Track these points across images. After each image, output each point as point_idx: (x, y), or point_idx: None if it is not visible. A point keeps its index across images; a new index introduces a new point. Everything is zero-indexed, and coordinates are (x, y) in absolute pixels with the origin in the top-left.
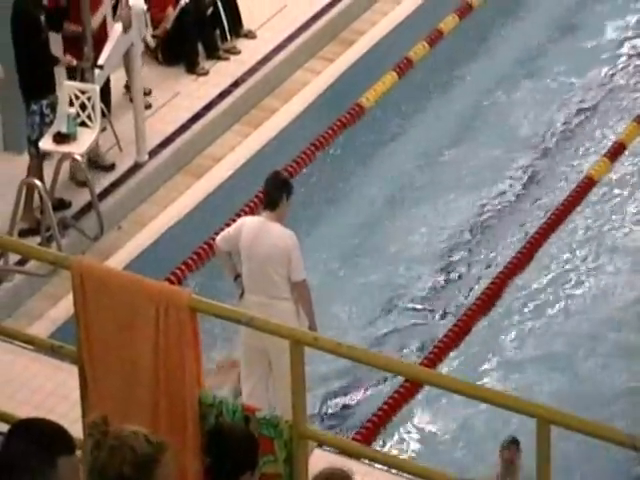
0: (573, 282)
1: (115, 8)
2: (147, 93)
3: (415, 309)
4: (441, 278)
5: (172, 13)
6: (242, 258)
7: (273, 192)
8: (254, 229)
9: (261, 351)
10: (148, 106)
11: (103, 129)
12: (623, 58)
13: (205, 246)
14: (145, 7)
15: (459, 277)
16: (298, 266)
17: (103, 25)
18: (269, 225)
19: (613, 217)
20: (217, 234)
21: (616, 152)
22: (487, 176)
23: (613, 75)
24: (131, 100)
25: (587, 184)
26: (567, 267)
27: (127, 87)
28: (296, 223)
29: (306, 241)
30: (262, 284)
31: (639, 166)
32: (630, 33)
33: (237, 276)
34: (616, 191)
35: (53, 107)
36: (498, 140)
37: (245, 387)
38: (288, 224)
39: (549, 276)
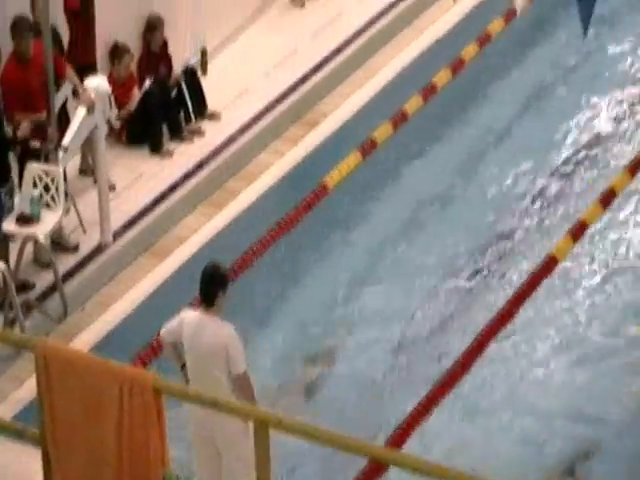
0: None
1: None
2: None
3: None
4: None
5: (137, 94)
6: (185, 351)
7: (210, 288)
8: (192, 325)
9: (210, 442)
10: (112, 187)
11: (67, 211)
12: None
13: None
14: (109, 89)
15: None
16: (237, 359)
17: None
18: (206, 320)
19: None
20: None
21: (579, 230)
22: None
23: (578, 156)
24: (95, 181)
25: (550, 263)
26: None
27: (81, 171)
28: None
29: (261, 327)
30: (204, 379)
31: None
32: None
33: (183, 365)
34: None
35: (11, 194)
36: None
37: (202, 473)
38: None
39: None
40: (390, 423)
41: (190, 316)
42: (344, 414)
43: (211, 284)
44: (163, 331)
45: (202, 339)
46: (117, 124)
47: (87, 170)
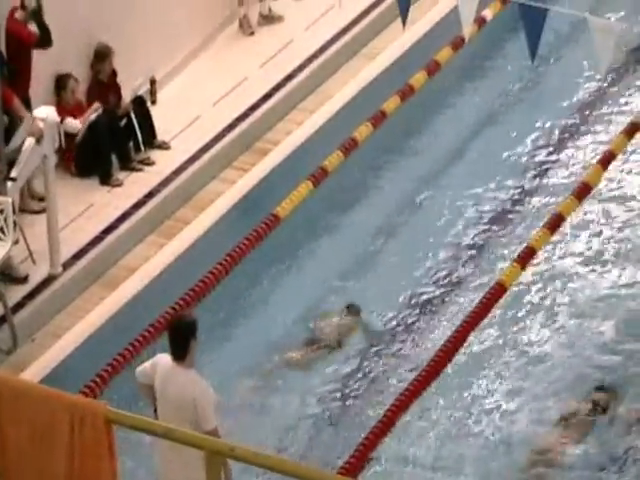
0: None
1: None
2: (42, 199)
3: None
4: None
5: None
6: (157, 396)
7: (180, 343)
8: (164, 373)
9: None
10: (42, 210)
11: (16, 241)
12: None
13: (120, 358)
14: (58, 119)
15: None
16: (206, 416)
17: None
18: (177, 372)
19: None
20: (132, 345)
21: (527, 256)
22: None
23: (526, 181)
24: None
25: (498, 290)
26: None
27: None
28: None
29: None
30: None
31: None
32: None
33: (157, 408)
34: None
35: None
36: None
37: None
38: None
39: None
40: None
41: (164, 362)
42: None
43: (181, 338)
44: (138, 371)
45: (171, 390)
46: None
47: (32, 196)
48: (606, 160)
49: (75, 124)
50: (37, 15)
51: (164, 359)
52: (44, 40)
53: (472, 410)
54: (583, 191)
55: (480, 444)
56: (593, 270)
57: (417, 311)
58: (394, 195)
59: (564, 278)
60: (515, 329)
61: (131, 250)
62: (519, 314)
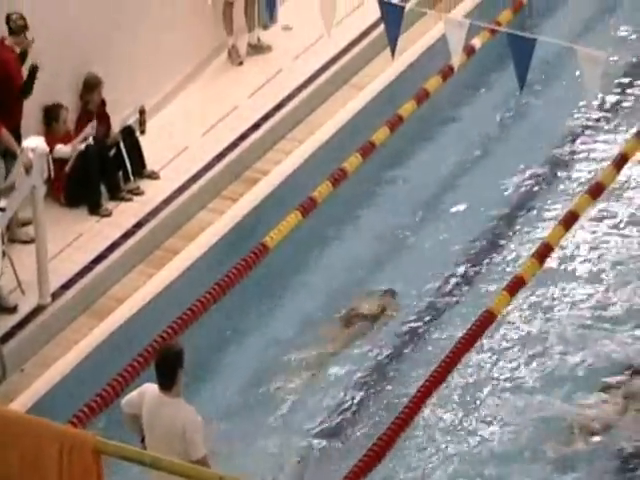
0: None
1: None
2: (26, 223)
3: None
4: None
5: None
6: (144, 426)
7: (168, 373)
8: (152, 402)
9: None
10: (31, 240)
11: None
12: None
13: (109, 388)
14: (47, 149)
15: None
16: (196, 444)
17: None
18: (166, 401)
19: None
20: (121, 375)
21: (515, 285)
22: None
23: (512, 211)
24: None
25: (488, 318)
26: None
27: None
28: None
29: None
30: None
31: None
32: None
33: (144, 438)
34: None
35: None
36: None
37: None
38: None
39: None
40: None
41: (151, 391)
42: None
43: (168, 368)
44: (123, 402)
45: (160, 420)
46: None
47: (20, 223)
48: (595, 190)
49: (65, 150)
50: (34, 70)
51: (151, 389)
52: (25, 89)
53: None
54: (570, 219)
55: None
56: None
57: None
58: (379, 226)
59: None
60: None
61: (120, 280)
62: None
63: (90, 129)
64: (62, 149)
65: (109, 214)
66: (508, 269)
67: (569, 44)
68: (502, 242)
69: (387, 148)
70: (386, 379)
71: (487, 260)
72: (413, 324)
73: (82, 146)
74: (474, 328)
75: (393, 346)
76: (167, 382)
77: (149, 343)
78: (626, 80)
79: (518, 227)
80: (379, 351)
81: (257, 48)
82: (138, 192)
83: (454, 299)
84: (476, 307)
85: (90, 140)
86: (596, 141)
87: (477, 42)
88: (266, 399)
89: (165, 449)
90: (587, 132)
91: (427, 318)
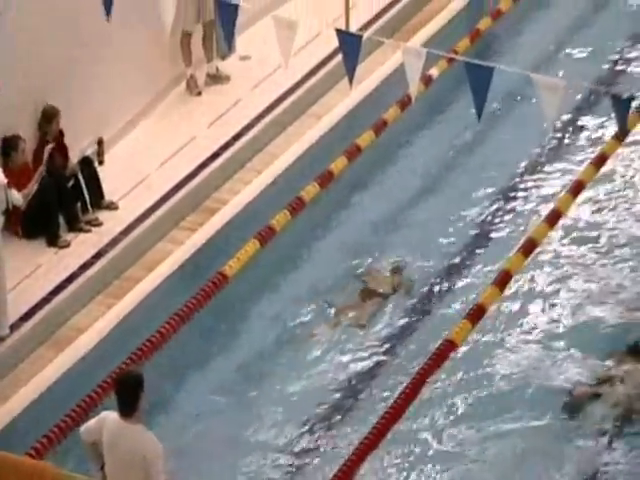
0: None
1: None
2: None
3: None
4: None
5: (33, 185)
6: (104, 454)
7: (128, 400)
8: (113, 430)
9: None
10: None
11: None
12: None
13: (68, 418)
14: (5, 181)
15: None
16: (157, 471)
17: None
18: (127, 429)
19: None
20: (80, 405)
21: (476, 315)
22: None
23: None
24: None
25: (448, 348)
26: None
27: None
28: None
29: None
30: None
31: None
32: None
33: (103, 465)
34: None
35: None
36: None
37: None
38: None
39: None
40: None
41: (111, 419)
42: None
43: (129, 395)
44: (82, 430)
45: (120, 447)
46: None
47: None
48: (553, 217)
49: (17, 197)
50: None
51: (111, 416)
52: None
53: None
54: (530, 247)
55: None
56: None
57: None
58: (337, 252)
59: None
60: None
61: (80, 311)
62: None
63: (38, 175)
64: (14, 195)
65: (67, 245)
66: (471, 296)
67: (527, 72)
68: (462, 269)
69: (345, 177)
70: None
71: (447, 286)
72: None
73: (36, 186)
74: (434, 357)
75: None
76: (127, 409)
77: (109, 374)
78: (584, 108)
79: (478, 254)
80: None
81: (215, 78)
82: (97, 223)
83: None
84: None
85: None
86: (553, 169)
87: (435, 71)
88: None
89: (125, 476)
90: (545, 160)
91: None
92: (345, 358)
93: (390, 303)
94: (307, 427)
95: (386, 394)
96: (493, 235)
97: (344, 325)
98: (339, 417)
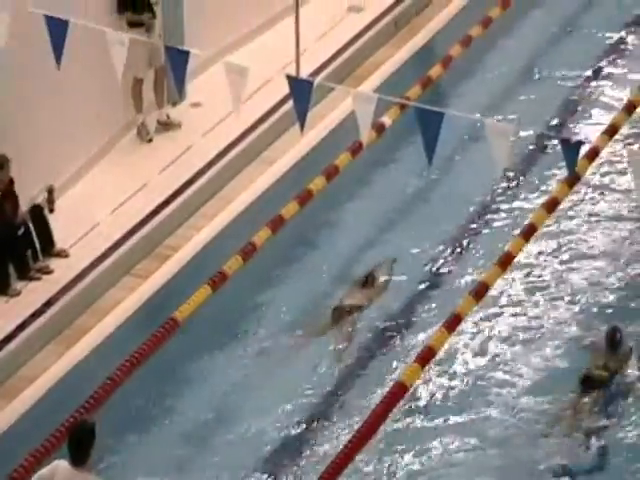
0: None
1: None
2: None
3: None
4: None
5: None
6: None
7: (81, 450)
8: (65, 477)
9: None
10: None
11: None
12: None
13: (20, 469)
14: None
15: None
16: None
17: None
18: (80, 478)
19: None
20: (32, 456)
21: (426, 356)
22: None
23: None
24: None
25: (399, 390)
26: None
27: None
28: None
29: None
30: None
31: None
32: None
33: None
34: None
35: None
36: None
37: None
38: None
39: None
40: None
41: (62, 467)
42: None
43: (81, 444)
44: (35, 477)
45: None
46: None
47: None
48: (505, 261)
49: None
50: None
51: (62, 464)
52: None
53: None
54: (481, 290)
55: None
56: None
57: None
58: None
59: None
60: None
61: (30, 360)
62: None
63: None
64: None
65: (18, 294)
66: (421, 338)
67: (478, 117)
68: (418, 309)
69: (296, 221)
70: None
71: (404, 323)
72: None
73: None
74: (385, 400)
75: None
76: (79, 457)
77: (60, 424)
78: (535, 152)
79: (431, 296)
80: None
81: (166, 125)
82: (47, 271)
83: None
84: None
85: None
86: (505, 212)
87: (386, 117)
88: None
89: None
90: (495, 205)
91: None
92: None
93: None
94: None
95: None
96: (445, 279)
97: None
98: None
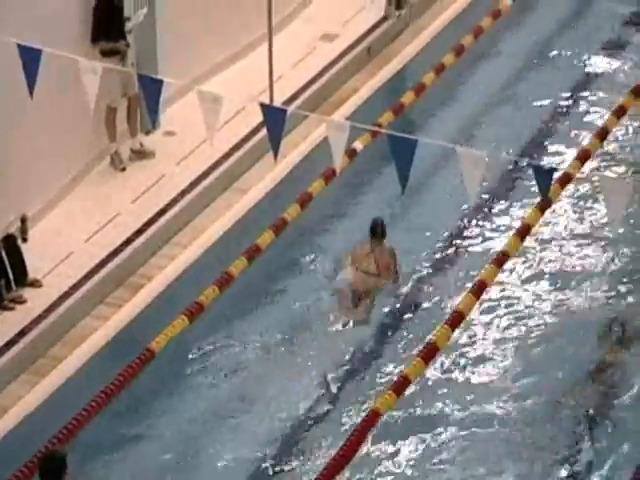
0: None
1: None
2: None
3: None
4: None
5: None
6: None
7: (52, 478)
8: None
9: None
10: None
11: None
12: None
13: None
14: None
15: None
16: None
17: None
18: None
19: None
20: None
21: (401, 386)
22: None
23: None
24: None
25: (373, 417)
26: None
27: None
28: None
29: None
30: None
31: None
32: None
33: None
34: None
35: None
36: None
37: None
38: None
39: None
40: None
41: None
42: None
43: (53, 475)
44: None
45: None
46: None
47: None
48: (478, 289)
49: None
50: None
51: None
52: None
53: None
54: (456, 320)
55: None
56: None
57: None
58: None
59: None
60: None
61: (4, 389)
62: None
63: None
64: None
65: None
66: (391, 370)
67: (450, 145)
68: (386, 345)
69: (272, 250)
70: None
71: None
72: None
73: None
74: (359, 428)
75: None
76: None
77: (33, 454)
78: (507, 179)
79: (405, 321)
80: None
81: (140, 153)
82: (21, 301)
83: None
84: None
85: None
86: (478, 239)
87: (359, 145)
88: None
89: None
90: (468, 232)
91: None
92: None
93: None
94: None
95: None
96: (421, 306)
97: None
98: None
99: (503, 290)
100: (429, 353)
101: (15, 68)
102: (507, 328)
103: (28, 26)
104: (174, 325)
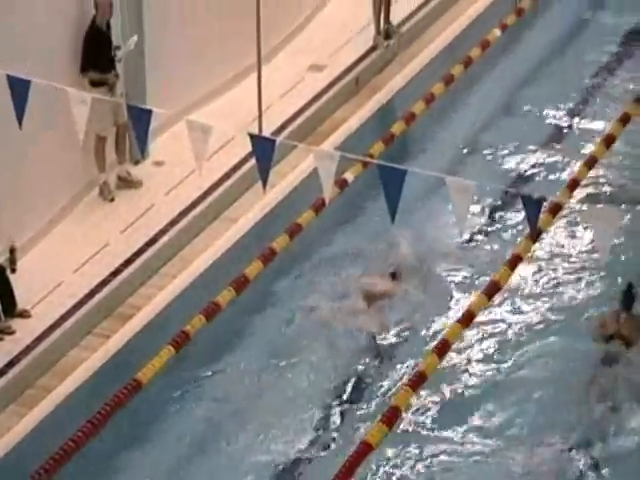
0: None
1: None
2: None
3: None
4: None
5: None
6: None
7: None
8: None
9: None
10: None
11: None
12: None
13: None
14: None
15: None
16: None
17: None
18: None
19: None
20: None
21: (392, 417)
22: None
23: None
24: None
25: (364, 450)
26: None
27: None
28: None
29: None
30: None
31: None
32: None
33: None
34: None
35: None
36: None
37: None
38: None
39: None
40: None
41: None
42: None
43: None
44: None
45: None
46: None
47: None
48: (466, 319)
49: None
50: None
51: None
52: None
53: None
54: (444, 348)
55: None
56: None
57: None
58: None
59: None
60: None
61: None
62: None
63: None
64: None
65: None
66: (379, 397)
67: (439, 174)
68: (371, 372)
69: (259, 281)
70: None
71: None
72: None
73: None
74: (350, 460)
75: None
76: None
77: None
78: (497, 208)
79: (397, 347)
80: None
81: (127, 182)
82: (9, 331)
83: None
84: None
85: None
86: (468, 270)
87: (349, 174)
88: None
89: None
90: (458, 260)
91: None
92: None
93: None
94: None
95: None
96: (408, 338)
97: None
98: None
99: (492, 317)
100: (417, 381)
101: (3, 98)
102: (495, 356)
103: (17, 57)
104: (160, 355)
